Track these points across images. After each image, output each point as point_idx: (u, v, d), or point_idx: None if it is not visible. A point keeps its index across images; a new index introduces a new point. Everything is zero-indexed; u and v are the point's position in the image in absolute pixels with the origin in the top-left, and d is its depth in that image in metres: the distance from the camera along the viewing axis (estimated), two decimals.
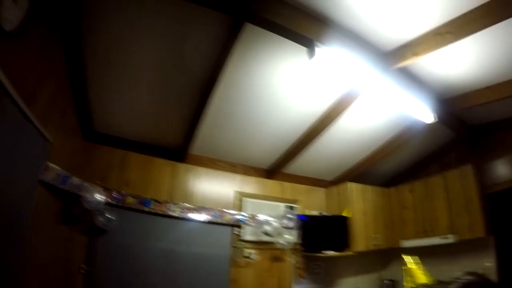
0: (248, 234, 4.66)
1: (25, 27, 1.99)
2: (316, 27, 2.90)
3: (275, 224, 4.65)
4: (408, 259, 3.83)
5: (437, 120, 4.07)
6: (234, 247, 4.52)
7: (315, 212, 5.40)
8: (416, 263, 3.74)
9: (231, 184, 4.86)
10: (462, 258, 4.79)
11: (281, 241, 4.66)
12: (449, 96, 4.14)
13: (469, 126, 4.96)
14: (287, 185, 5.41)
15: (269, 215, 4.71)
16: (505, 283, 4.30)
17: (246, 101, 3.81)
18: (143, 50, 3.07)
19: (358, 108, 4.13)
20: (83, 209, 3.38)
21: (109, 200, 3.71)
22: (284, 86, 3.67)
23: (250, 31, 2.89)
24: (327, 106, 4.09)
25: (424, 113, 3.91)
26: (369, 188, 5.59)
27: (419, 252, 5.06)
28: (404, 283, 4.18)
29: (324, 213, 5.43)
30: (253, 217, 4.66)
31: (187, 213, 4.27)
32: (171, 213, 4.17)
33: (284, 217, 4.76)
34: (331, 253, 4.92)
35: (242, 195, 4.85)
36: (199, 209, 4.37)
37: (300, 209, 5.28)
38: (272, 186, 5.25)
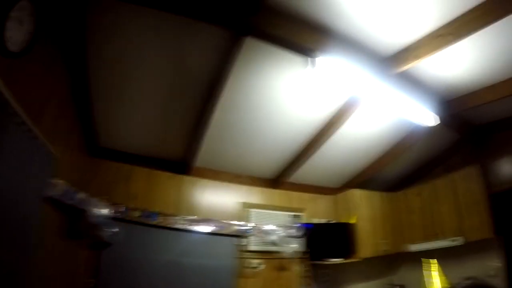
0: (254, 244, 4.67)
1: (31, 47, 2.05)
2: (315, 37, 2.94)
3: (281, 233, 4.65)
4: (428, 262, 3.81)
5: (440, 122, 4.08)
6: (240, 257, 4.53)
7: (323, 220, 5.39)
8: (435, 267, 3.73)
9: (236, 195, 4.89)
10: (470, 260, 4.74)
11: (287, 250, 4.66)
12: (452, 98, 4.14)
13: (473, 127, 4.93)
14: (293, 194, 5.42)
15: (275, 225, 4.72)
16: None
17: (248, 112, 3.85)
18: (145, 66, 3.13)
19: (361, 114, 4.15)
20: (89, 224, 3.40)
21: (115, 214, 3.74)
22: (286, 95, 3.71)
23: (250, 43, 2.94)
24: (330, 114, 4.11)
25: (427, 116, 3.92)
26: (375, 194, 5.58)
27: (428, 256, 5.05)
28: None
29: (331, 221, 5.43)
30: (258, 227, 4.66)
31: (192, 225, 4.29)
32: (177, 226, 4.19)
33: (290, 226, 4.77)
34: (338, 260, 4.92)
35: (247, 206, 4.87)
36: (204, 221, 4.40)
37: (306, 217, 5.28)
38: (278, 195, 5.27)
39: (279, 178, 5.20)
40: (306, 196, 5.54)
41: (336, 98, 3.88)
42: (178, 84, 3.37)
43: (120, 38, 2.84)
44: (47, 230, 2.85)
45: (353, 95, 3.81)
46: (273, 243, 4.63)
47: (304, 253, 4.92)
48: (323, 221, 5.37)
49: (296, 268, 4.94)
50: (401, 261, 5.85)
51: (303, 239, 4.90)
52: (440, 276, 3.99)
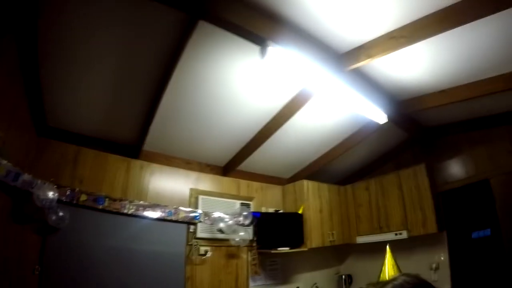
0: (203, 231, 4.64)
1: None
2: (270, 26, 2.91)
3: (229, 221, 4.65)
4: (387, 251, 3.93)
5: (389, 121, 4.20)
6: (189, 244, 4.50)
7: (271, 210, 5.44)
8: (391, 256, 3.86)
9: (186, 181, 4.83)
10: (417, 253, 5.02)
11: (236, 238, 4.68)
12: (403, 98, 4.28)
13: (422, 128, 5.14)
14: (243, 182, 5.43)
15: (225, 213, 4.71)
16: (457, 275, 4.56)
17: (200, 98, 3.79)
18: (96, 45, 3.01)
19: (313, 107, 4.20)
20: (35, 207, 3.25)
21: (62, 197, 3.59)
22: (239, 84, 3.68)
23: (203, 27, 2.87)
24: (282, 105, 4.13)
25: (377, 114, 4.02)
26: (325, 186, 5.70)
27: (376, 248, 5.21)
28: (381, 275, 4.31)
29: (280, 211, 5.49)
30: (207, 215, 4.64)
31: (141, 211, 4.20)
32: (125, 210, 4.09)
33: (239, 214, 4.77)
34: (286, 249, 4.98)
35: (197, 193, 4.83)
36: (153, 206, 4.32)
37: (255, 206, 5.32)
38: (228, 183, 5.26)
39: (229, 165, 5.19)
40: (255, 185, 5.56)
41: (289, 88, 3.90)
42: (128, 65, 3.27)
43: (71, 14, 2.71)
44: None
45: (305, 87, 3.84)
46: (222, 231, 4.62)
47: (252, 241, 4.97)
48: (271, 210, 5.42)
49: (244, 256, 4.99)
50: (348, 251, 6.05)
51: (251, 227, 4.94)
52: (392, 266, 4.12)
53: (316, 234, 5.21)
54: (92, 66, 3.22)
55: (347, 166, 5.98)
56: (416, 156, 5.52)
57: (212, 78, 3.55)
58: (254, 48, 3.06)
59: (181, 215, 4.50)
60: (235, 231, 4.70)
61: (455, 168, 4.99)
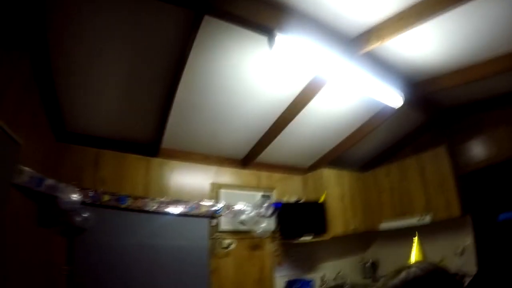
0: (225, 224, 4.71)
1: None
2: (276, 15, 2.93)
3: (251, 213, 4.71)
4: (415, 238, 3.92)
5: (406, 104, 4.16)
6: (212, 238, 4.57)
7: (292, 199, 5.47)
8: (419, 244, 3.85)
9: (206, 176, 4.89)
10: (441, 237, 4.95)
11: (259, 230, 4.73)
12: (419, 80, 4.21)
13: (440, 109, 5.06)
14: (263, 174, 5.46)
15: (246, 205, 4.76)
16: (483, 259, 4.49)
17: (213, 92, 3.83)
18: (108, 48, 3.08)
19: (328, 94, 4.18)
20: (59, 210, 3.38)
21: (85, 199, 3.70)
22: (252, 75, 3.70)
23: (211, 22, 2.91)
24: (296, 93, 4.12)
25: (394, 97, 3.98)
26: (345, 173, 5.69)
27: (400, 234, 5.19)
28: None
29: (301, 200, 5.52)
30: (229, 207, 4.71)
31: (163, 207, 4.30)
32: (147, 208, 4.19)
33: (260, 205, 4.82)
34: (309, 238, 5.01)
35: (217, 186, 4.89)
36: (175, 202, 4.40)
37: (276, 196, 5.35)
38: (247, 175, 5.31)
39: (248, 157, 5.22)
40: (275, 175, 5.59)
41: (301, 77, 3.88)
42: (140, 66, 3.34)
43: (80, 21, 2.79)
44: (17, 219, 2.82)
45: (318, 74, 3.81)
46: (244, 223, 4.68)
47: (275, 232, 5.01)
48: (293, 200, 5.44)
49: (268, 247, 5.03)
50: (372, 238, 6.02)
51: (273, 218, 4.98)
52: (418, 251, 4.10)
53: (338, 222, 5.22)
54: (105, 70, 3.30)
55: (366, 152, 5.94)
56: (436, 138, 5.39)
57: (223, 72, 3.59)
58: (263, 39, 3.07)
59: (203, 210, 4.58)
60: (257, 223, 4.76)
61: (477, 149, 4.86)
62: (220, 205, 4.69)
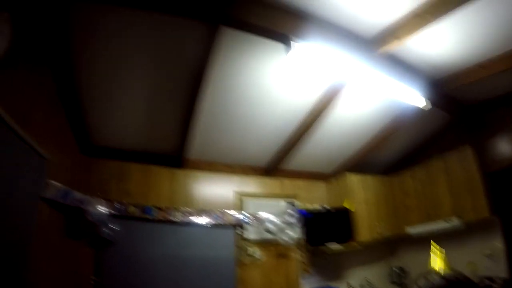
0: (251, 233, 4.71)
1: (11, 54, 2.09)
2: (292, 22, 2.94)
3: (276, 221, 4.71)
4: (434, 245, 3.83)
5: (428, 104, 4.08)
6: (238, 247, 4.59)
7: (316, 206, 5.42)
8: (436, 249, 3.76)
9: (230, 185, 4.92)
10: (469, 240, 4.78)
11: (285, 238, 4.71)
12: (440, 77, 4.12)
13: (464, 106, 4.92)
14: (286, 181, 5.45)
15: (270, 213, 4.77)
16: None
17: (235, 102, 3.87)
18: (129, 64, 3.16)
19: (348, 98, 4.16)
20: (87, 222, 3.47)
21: (111, 211, 3.79)
22: (272, 83, 3.72)
23: (229, 33, 2.95)
24: (316, 99, 4.10)
25: (415, 97, 3.91)
26: (369, 178, 5.60)
27: (428, 238, 5.09)
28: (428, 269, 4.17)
29: (326, 206, 5.48)
30: (254, 216, 4.72)
31: (189, 218, 4.34)
32: (173, 218, 4.24)
33: (285, 213, 4.82)
34: (335, 246, 4.96)
35: (242, 195, 4.92)
36: (200, 212, 4.45)
37: (301, 204, 5.30)
38: (271, 183, 5.31)
39: (272, 166, 5.21)
40: (299, 182, 5.56)
41: (322, 82, 3.87)
42: (164, 78, 3.41)
43: (102, 38, 2.87)
44: (46, 231, 2.92)
45: (337, 78, 3.79)
46: (269, 231, 4.68)
47: (301, 240, 4.98)
48: (318, 207, 5.41)
49: (295, 255, 4.99)
50: (400, 244, 5.89)
51: (299, 226, 4.96)
52: (441, 258, 4.02)
53: (364, 228, 5.15)
54: (128, 83, 3.39)
55: (390, 155, 5.86)
56: (461, 137, 5.22)
57: (244, 81, 3.62)
58: (280, 47, 3.08)
59: (228, 219, 4.61)
60: (283, 231, 4.74)
61: (505, 146, 4.64)
62: (246, 214, 4.71)
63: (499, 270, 4.32)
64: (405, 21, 3.05)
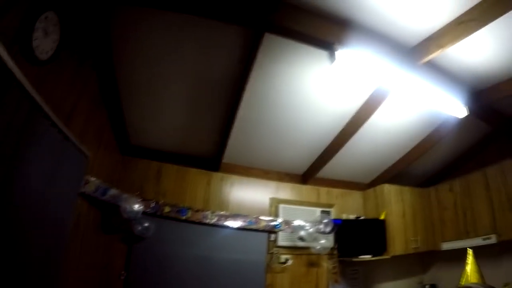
0: (283, 240, 4.71)
1: (58, 55, 2.19)
2: (336, 30, 2.94)
3: (310, 229, 4.69)
4: (469, 256, 3.72)
5: (470, 114, 3.92)
6: (270, 253, 4.59)
7: (351, 216, 5.37)
8: (474, 263, 3.65)
9: (265, 191, 4.95)
10: (507, 259, 4.60)
11: (317, 246, 4.67)
12: (482, 88, 3.97)
13: (506, 118, 4.69)
14: (322, 189, 5.42)
15: (305, 221, 4.75)
16: None
17: (273, 108, 3.89)
18: (171, 66, 3.23)
19: (388, 107, 4.10)
20: (122, 219, 3.57)
21: (146, 209, 3.87)
22: (312, 90, 3.72)
23: (271, 40, 2.98)
24: (357, 107, 4.07)
25: (456, 107, 3.81)
26: (406, 189, 5.48)
27: (463, 255, 4.92)
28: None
29: (360, 217, 5.43)
30: (288, 223, 4.72)
31: (223, 221, 4.39)
32: (207, 220, 4.30)
33: (319, 222, 4.79)
34: (367, 257, 4.91)
35: (276, 201, 4.92)
36: (234, 216, 4.48)
37: (335, 213, 5.27)
38: (307, 191, 5.29)
39: (308, 173, 5.22)
40: (335, 191, 5.52)
41: (362, 90, 3.84)
42: (203, 82, 3.46)
43: (145, 41, 2.95)
44: (83, 225, 3.05)
45: (379, 86, 3.75)
46: (302, 239, 4.66)
47: (333, 249, 4.94)
48: (352, 217, 5.36)
49: (325, 264, 4.96)
50: (433, 260, 5.73)
51: (332, 235, 4.92)
52: (476, 275, 3.87)
53: (399, 241, 5.04)
54: (168, 86, 3.46)
55: (428, 167, 5.71)
56: (502, 150, 5.01)
57: (284, 88, 3.63)
58: (323, 54, 3.11)
59: (262, 224, 4.62)
60: (315, 239, 4.71)
61: None
62: (279, 220, 4.71)
63: None
64: (448, 29, 2.96)
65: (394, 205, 5.23)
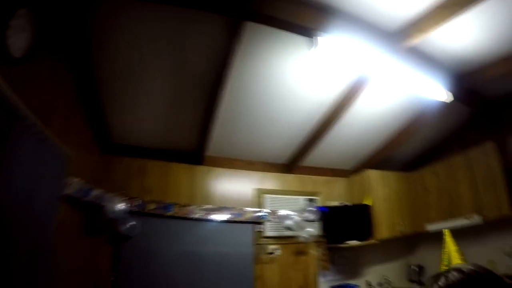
0: (270, 230, 4.72)
1: (33, 53, 2.12)
2: (316, 16, 2.90)
3: (296, 218, 4.68)
4: (446, 237, 3.77)
5: (453, 98, 3.98)
6: (257, 244, 4.59)
7: (336, 203, 5.39)
8: (454, 244, 3.70)
9: (250, 182, 4.94)
10: (491, 238, 4.69)
11: (304, 235, 4.68)
12: (464, 72, 3.99)
13: (488, 101, 4.77)
14: (306, 178, 5.42)
15: (290, 210, 4.75)
16: None
17: (255, 98, 3.86)
18: (149, 60, 3.17)
19: (370, 93, 4.09)
20: (106, 219, 3.51)
21: (131, 208, 3.83)
22: (294, 78, 3.69)
23: (251, 28, 2.93)
24: (339, 94, 4.05)
25: (439, 92, 3.83)
26: (390, 174, 5.53)
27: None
28: (441, 266, 4.10)
29: (346, 203, 5.45)
30: (274, 213, 4.71)
31: (208, 214, 4.36)
32: (192, 215, 4.27)
33: (305, 210, 4.80)
34: (354, 243, 4.94)
35: (261, 192, 4.92)
36: (220, 209, 4.46)
37: (321, 201, 5.29)
38: (291, 180, 5.29)
39: (292, 162, 5.20)
40: (320, 179, 5.53)
41: (344, 77, 3.82)
42: (184, 75, 3.41)
43: (123, 35, 2.88)
44: (66, 227, 2.96)
45: (361, 73, 3.74)
46: (289, 228, 4.67)
47: (320, 236, 4.96)
48: (338, 203, 5.38)
49: (313, 252, 4.98)
50: (419, 241, 5.81)
51: (319, 222, 4.93)
52: (456, 254, 3.93)
53: (385, 225, 5.10)
54: (148, 82, 3.39)
55: (411, 151, 5.75)
56: (484, 133, 5.06)
57: (265, 77, 3.60)
58: (303, 41, 3.08)
59: (248, 216, 4.61)
60: (302, 228, 4.71)
61: None
62: (265, 211, 4.70)
63: None
64: (431, 13, 2.94)
65: (379, 190, 5.27)
